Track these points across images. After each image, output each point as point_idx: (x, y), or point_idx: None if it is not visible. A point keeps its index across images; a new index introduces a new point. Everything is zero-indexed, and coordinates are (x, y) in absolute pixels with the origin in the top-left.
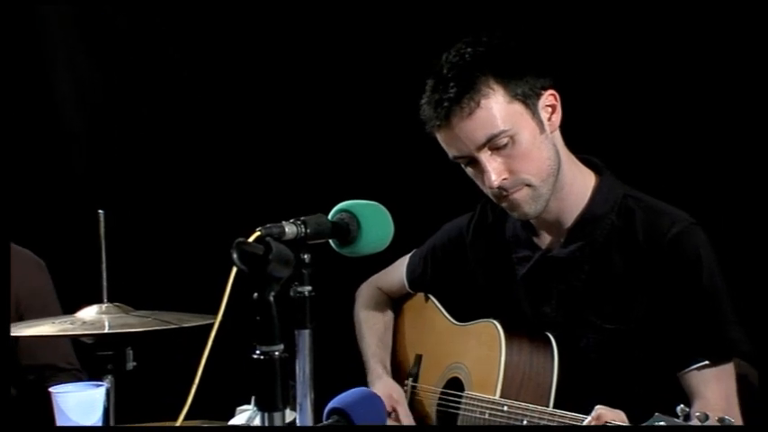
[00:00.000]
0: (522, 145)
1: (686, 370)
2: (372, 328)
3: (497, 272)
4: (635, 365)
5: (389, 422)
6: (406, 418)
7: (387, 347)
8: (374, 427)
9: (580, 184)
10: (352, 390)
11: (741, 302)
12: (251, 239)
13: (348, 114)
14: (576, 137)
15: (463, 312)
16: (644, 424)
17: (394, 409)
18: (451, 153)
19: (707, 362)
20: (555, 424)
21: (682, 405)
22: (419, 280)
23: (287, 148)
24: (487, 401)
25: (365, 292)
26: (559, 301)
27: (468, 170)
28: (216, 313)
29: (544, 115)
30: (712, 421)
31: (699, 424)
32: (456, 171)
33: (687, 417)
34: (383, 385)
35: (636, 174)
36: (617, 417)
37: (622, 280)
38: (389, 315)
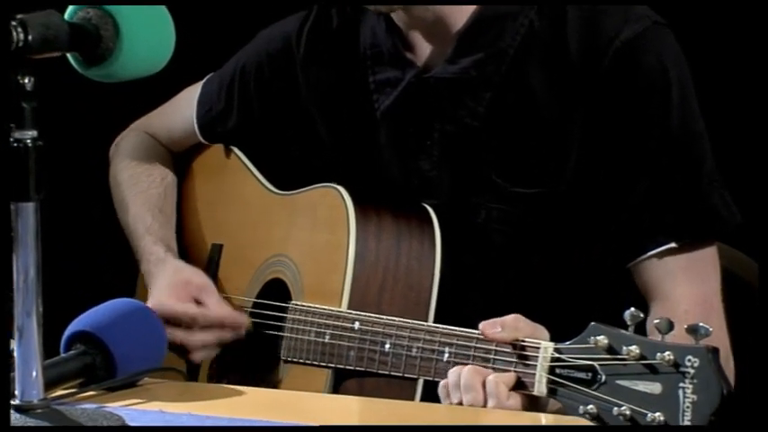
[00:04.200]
0: None
1: (641, 258)
2: (144, 192)
3: (345, 105)
4: (561, 252)
5: (195, 334)
6: (228, 315)
7: (169, 221)
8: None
9: None
10: (108, 303)
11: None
12: None
13: None
14: None
15: (289, 175)
16: (572, 341)
17: (199, 302)
18: None
19: (673, 244)
20: (436, 346)
21: (632, 309)
22: (217, 121)
23: None
24: (328, 316)
25: (129, 141)
26: (444, 150)
27: None
28: None
29: None
30: (679, 333)
31: (658, 337)
32: None
33: (640, 326)
34: (172, 271)
35: None
36: (535, 334)
37: (544, 116)
38: (169, 177)
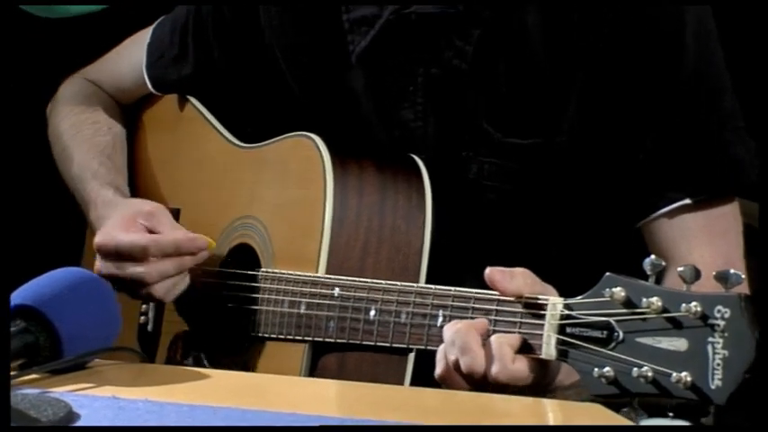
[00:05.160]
0: None
1: (652, 216)
2: (88, 140)
3: (315, 48)
4: (562, 211)
5: (149, 265)
6: (183, 238)
7: (119, 169)
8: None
9: None
10: (53, 272)
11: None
12: None
13: None
14: None
15: (255, 129)
16: (585, 295)
17: (152, 231)
18: None
19: (688, 200)
20: (428, 309)
21: (653, 257)
22: (170, 69)
23: None
24: (304, 283)
25: (69, 89)
26: (429, 97)
27: None
28: None
29: None
30: (707, 280)
31: (684, 288)
32: None
33: (661, 274)
34: (121, 207)
35: None
36: (544, 292)
37: (540, 56)
38: (117, 128)
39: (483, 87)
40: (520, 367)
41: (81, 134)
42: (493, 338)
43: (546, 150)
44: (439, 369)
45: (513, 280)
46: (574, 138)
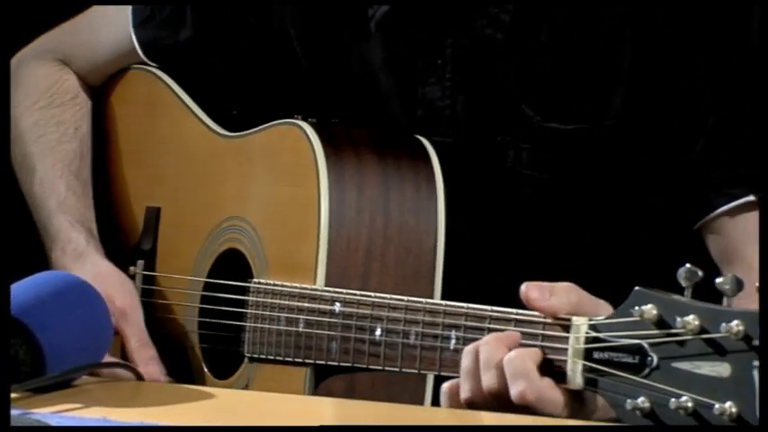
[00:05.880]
0: None
1: (712, 215)
2: (53, 149)
3: (327, 14)
4: (610, 208)
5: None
6: (143, 350)
7: (86, 189)
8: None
9: None
10: (34, 277)
11: None
12: None
13: None
14: None
15: (249, 112)
16: (611, 314)
17: (119, 331)
18: None
19: (750, 197)
20: (439, 329)
21: (688, 265)
22: (164, 32)
23: None
24: (300, 297)
25: (31, 70)
26: (459, 71)
27: None
28: None
29: None
30: (750, 293)
31: (724, 305)
32: None
33: (697, 286)
34: (92, 278)
35: None
36: (597, 312)
37: (588, 24)
38: (85, 126)
39: (521, 62)
40: (548, 387)
41: (45, 139)
42: (509, 356)
43: (592, 137)
44: (464, 393)
45: (553, 297)
46: (623, 123)
